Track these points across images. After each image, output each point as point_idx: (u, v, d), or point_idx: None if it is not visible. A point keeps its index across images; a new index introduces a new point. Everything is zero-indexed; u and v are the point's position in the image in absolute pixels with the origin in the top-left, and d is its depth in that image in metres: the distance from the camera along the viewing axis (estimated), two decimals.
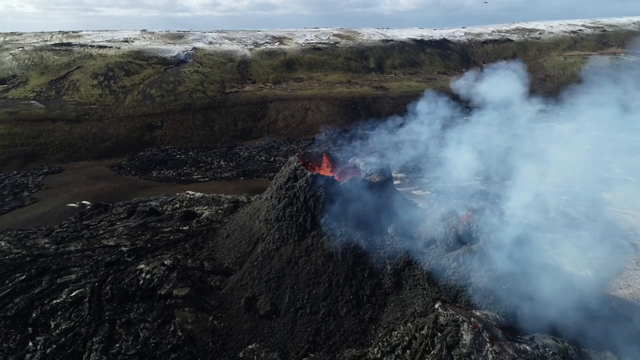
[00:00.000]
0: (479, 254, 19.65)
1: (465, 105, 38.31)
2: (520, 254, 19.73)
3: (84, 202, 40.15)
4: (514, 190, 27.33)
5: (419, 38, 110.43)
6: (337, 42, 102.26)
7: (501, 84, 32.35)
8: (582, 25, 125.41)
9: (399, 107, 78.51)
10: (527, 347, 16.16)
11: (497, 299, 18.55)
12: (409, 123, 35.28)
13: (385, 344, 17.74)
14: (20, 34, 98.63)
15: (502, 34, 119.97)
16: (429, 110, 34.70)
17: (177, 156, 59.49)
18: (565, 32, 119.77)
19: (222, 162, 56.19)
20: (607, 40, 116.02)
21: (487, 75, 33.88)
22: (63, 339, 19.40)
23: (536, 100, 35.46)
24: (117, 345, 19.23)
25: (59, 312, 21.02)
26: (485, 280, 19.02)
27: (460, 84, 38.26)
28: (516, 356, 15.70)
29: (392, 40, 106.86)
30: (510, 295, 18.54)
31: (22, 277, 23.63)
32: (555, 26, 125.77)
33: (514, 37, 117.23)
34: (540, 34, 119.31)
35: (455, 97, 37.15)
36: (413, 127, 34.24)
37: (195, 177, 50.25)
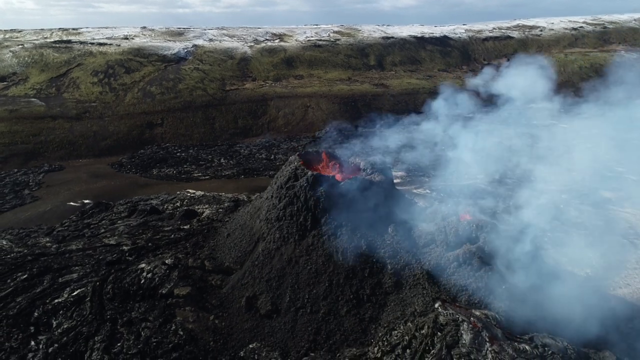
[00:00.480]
0: (479, 253, 19.72)
1: (485, 102, 37.99)
2: (521, 254, 19.81)
3: (85, 200, 40.22)
4: (515, 189, 27.39)
5: (419, 35, 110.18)
6: (338, 39, 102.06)
7: (525, 81, 31.81)
8: (583, 22, 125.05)
9: (399, 104, 78.57)
10: (527, 347, 16.24)
11: (497, 298, 18.63)
12: (414, 120, 35.27)
13: (386, 343, 17.83)
14: (20, 31, 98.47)
15: (503, 30, 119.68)
16: (436, 107, 34.70)
17: (178, 154, 59.52)
18: (566, 29, 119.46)
19: (222, 160, 56.23)
20: (608, 37, 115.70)
21: (508, 72, 33.39)
22: (65, 338, 19.52)
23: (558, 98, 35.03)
24: (118, 344, 19.34)
25: (61, 312, 21.13)
26: (485, 280, 19.10)
27: (478, 81, 37.91)
28: (515, 356, 15.79)
29: (392, 37, 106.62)
30: (510, 295, 18.62)
31: (24, 276, 23.75)
32: (556, 23, 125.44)
33: (515, 34, 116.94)
34: (541, 30, 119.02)
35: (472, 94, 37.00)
36: (419, 126, 34.22)
37: (195, 175, 50.30)
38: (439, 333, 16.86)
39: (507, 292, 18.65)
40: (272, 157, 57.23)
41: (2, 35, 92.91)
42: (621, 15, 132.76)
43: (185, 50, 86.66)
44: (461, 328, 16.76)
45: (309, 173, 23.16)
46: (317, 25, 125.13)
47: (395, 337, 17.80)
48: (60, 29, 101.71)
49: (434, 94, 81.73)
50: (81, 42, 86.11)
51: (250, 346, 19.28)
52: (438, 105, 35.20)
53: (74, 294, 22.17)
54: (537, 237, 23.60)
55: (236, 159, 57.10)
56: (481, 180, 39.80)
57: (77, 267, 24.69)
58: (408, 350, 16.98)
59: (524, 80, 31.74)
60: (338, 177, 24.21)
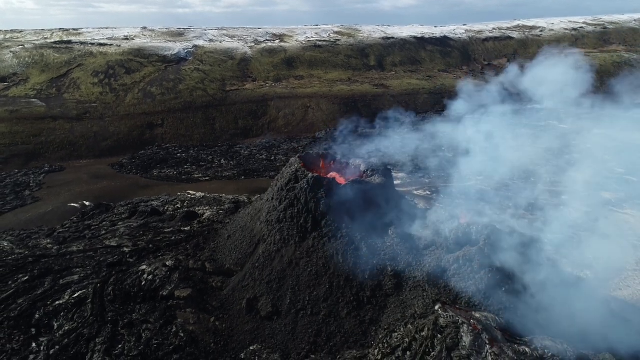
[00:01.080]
0: (479, 255, 19.74)
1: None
2: (521, 256, 19.86)
3: (86, 202, 40.28)
4: (516, 191, 27.49)
5: (419, 35, 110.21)
6: (338, 40, 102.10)
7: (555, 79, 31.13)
8: (584, 23, 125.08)
9: (399, 105, 78.58)
10: (527, 349, 16.28)
11: (497, 300, 18.66)
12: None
13: (386, 345, 17.88)
14: (20, 32, 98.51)
15: (503, 31, 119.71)
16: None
17: (178, 155, 59.58)
18: (566, 29, 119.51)
19: (222, 161, 56.28)
20: (609, 38, 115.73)
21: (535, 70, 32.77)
22: (66, 340, 19.57)
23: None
24: (119, 346, 19.39)
25: (62, 313, 21.18)
26: (485, 282, 19.13)
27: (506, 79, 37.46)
28: (515, 358, 15.83)
29: (392, 37, 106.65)
30: (510, 296, 18.67)
31: (25, 278, 23.78)
32: (556, 23, 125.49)
33: (515, 35, 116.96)
34: (541, 31, 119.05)
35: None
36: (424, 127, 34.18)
37: (196, 176, 50.35)
38: (439, 335, 16.90)
39: (506, 294, 18.70)
40: (273, 158, 57.27)
41: (2, 36, 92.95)
42: (621, 16, 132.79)
43: (186, 51, 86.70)
44: (461, 330, 16.81)
45: (310, 175, 23.20)
46: (317, 25, 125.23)
47: (396, 340, 17.84)
48: (60, 29, 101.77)
49: (433, 94, 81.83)
50: (81, 43, 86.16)
51: (251, 348, 19.34)
52: (451, 105, 35.17)
53: (75, 295, 22.21)
54: (537, 239, 23.61)
55: (236, 159, 57.16)
56: (482, 182, 39.81)
57: (78, 269, 24.73)
58: (408, 353, 17.03)
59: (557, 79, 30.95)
60: (339, 179, 24.27)
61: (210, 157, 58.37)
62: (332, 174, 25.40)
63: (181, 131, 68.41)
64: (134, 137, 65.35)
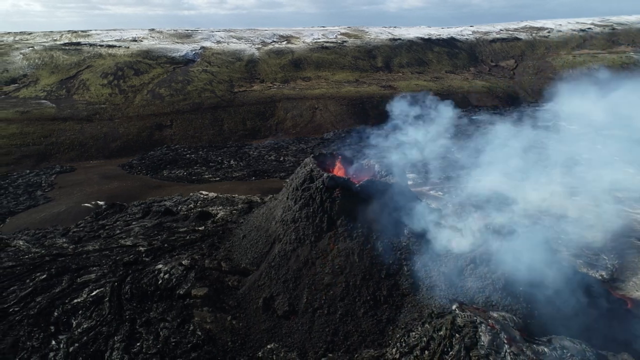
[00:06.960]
0: (496, 254, 19.77)
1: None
2: (536, 256, 19.87)
3: (99, 202, 40.56)
4: (525, 191, 27.48)
5: (426, 37, 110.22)
6: (345, 41, 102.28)
7: None
8: (591, 24, 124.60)
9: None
10: (545, 349, 16.30)
11: (514, 300, 18.67)
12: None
13: (404, 344, 17.95)
14: (30, 34, 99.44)
15: (510, 32, 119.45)
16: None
17: (187, 155, 59.86)
18: (574, 30, 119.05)
19: (232, 162, 56.48)
20: (617, 39, 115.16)
21: None
22: (85, 338, 19.77)
23: None
24: (138, 344, 19.56)
25: (80, 311, 21.38)
26: (502, 282, 19.15)
27: None
28: (534, 358, 15.85)
29: (399, 39, 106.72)
30: (527, 296, 18.67)
31: (43, 277, 24.03)
32: (564, 24, 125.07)
33: (522, 36, 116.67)
34: (548, 32, 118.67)
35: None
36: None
37: (206, 176, 50.57)
38: (457, 335, 16.96)
39: (524, 293, 18.71)
40: (282, 158, 57.42)
41: (12, 38, 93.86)
42: (629, 17, 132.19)
43: (194, 52, 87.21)
44: (479, 330, 16.85)
45: (325, 175, 23.30)
46: (324, 27, 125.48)
47: (413, 339, 17.91)
48: (69, 31, 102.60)
49: (440, 95, 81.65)
50: (90, 44, 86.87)
51: (268, 347, 19.45)
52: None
53: (93, 294, 22.42)
54: (549, 237, 23.58)
55: (246, 160, 57.36)
56: (493, 182, 39.70)
57: (94, 268, 24.95)
58: (426, 352, 17.09)
59: None
60: (354, 179, 24.36)
61: (220, 157, 58.61)
62: (347, 174, 25.50)
63: (190, 132, 68.78)
64: (143, 138, 65.79)
